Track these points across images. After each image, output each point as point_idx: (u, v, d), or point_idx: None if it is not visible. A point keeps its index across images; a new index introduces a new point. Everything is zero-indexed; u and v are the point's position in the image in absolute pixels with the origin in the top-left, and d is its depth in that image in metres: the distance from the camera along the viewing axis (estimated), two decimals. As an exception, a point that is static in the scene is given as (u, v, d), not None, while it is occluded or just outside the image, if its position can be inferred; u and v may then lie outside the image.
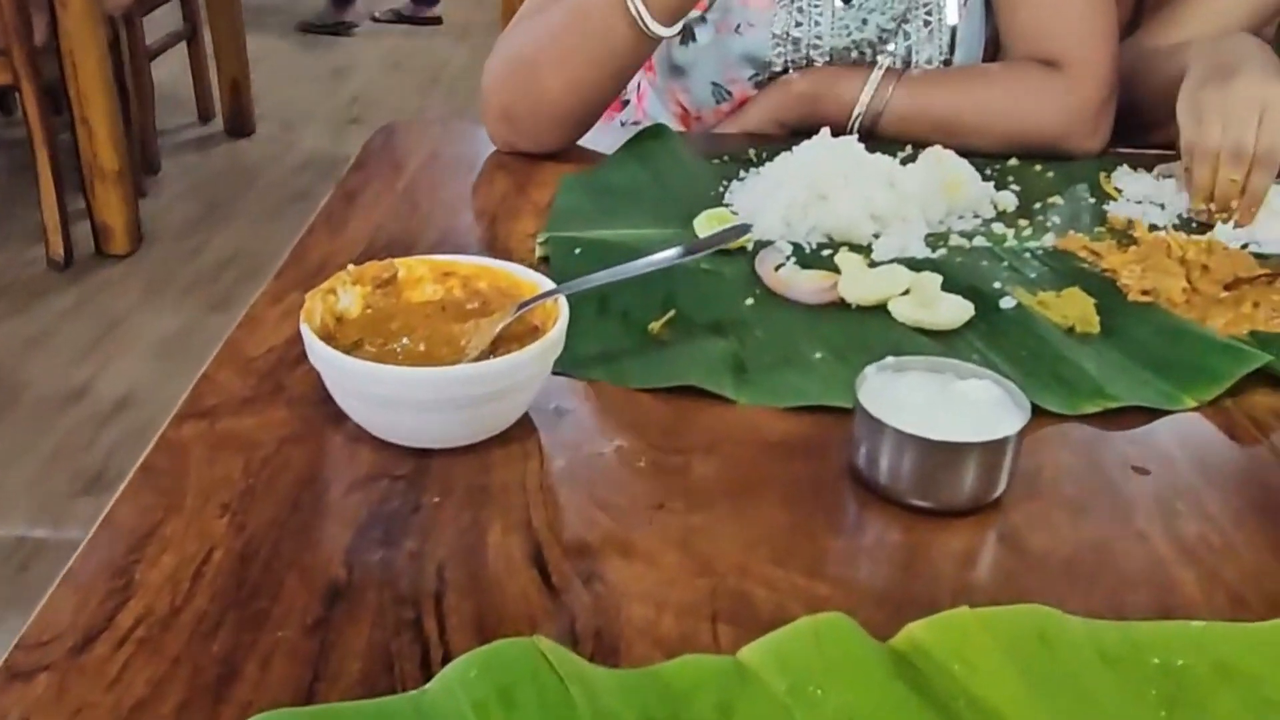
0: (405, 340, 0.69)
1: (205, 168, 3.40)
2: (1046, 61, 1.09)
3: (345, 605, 0.56)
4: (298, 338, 0.67)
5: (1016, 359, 0.78)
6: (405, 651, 0.53)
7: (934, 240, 0.94)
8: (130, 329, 2.59)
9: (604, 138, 1.10)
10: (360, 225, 0.95)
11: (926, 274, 0.84)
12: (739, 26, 1.13)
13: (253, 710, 0.49)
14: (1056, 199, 1.02)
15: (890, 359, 0.69)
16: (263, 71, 3.82)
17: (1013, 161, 1.09)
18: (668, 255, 0.75)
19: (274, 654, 0.53)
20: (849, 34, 1.13)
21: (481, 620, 0.55)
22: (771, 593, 0.58)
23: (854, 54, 1.14)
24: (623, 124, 1.29)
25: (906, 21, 1.13)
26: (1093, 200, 1.03)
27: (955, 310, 0.81)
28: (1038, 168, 1.08)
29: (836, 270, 0.87)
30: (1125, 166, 1.08)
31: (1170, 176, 1.05)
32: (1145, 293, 0.85)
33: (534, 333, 0.70)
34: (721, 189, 1.01)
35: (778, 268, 0.88)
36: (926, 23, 1.14)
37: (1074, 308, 0.82)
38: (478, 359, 0.68)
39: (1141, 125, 1.16)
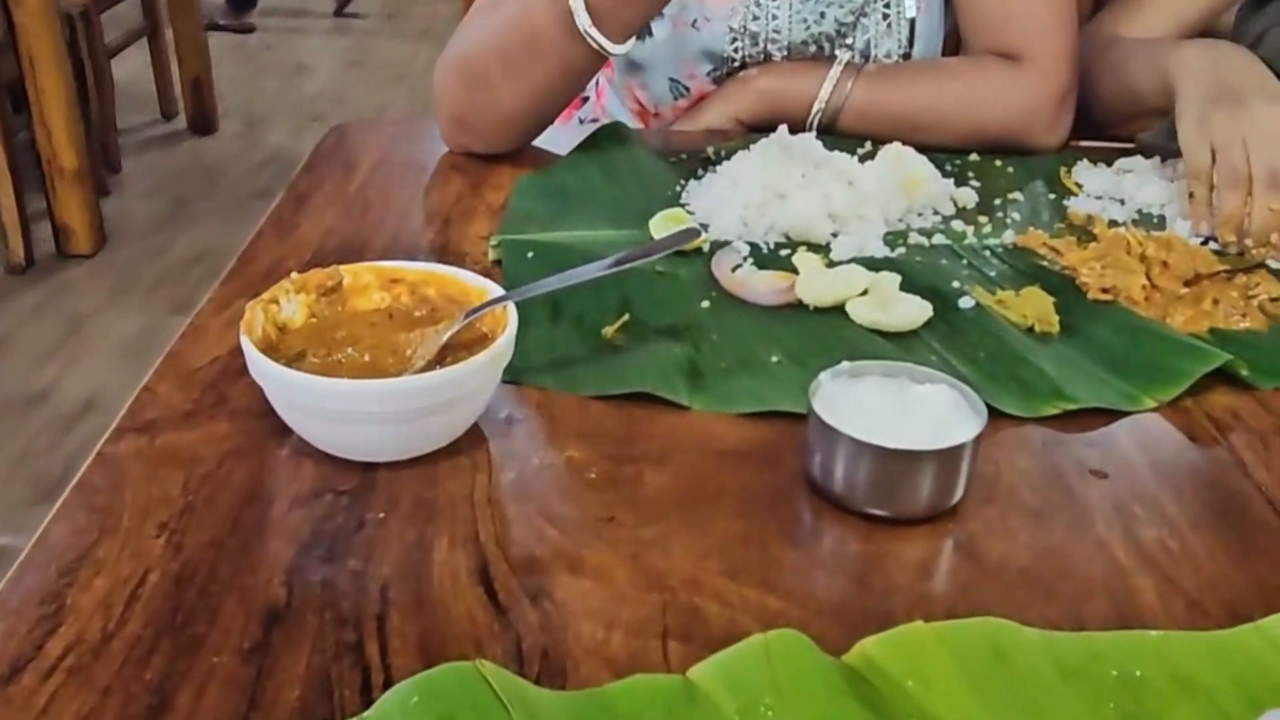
0: (350, 350, 0.68)
1: (168, 166, 3.36)
2: (1006, 55, 1.08)
3: (284, 628, 0.54)
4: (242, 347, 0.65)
5: (975, 360, 0.77)
6: (345, 677, 0.52)
7: (893, 239, 0.93)
8: (94, 331, 2.55)
9: (562, 136, 1.08)
10: (310, 229, 0.93)
11: (885, 274, 0.83)
12: (696, 21, 1.11)
13: (184, 742, 0.47)
14: (1017, 195, 1.01)
15: (845, 364, 0.68)
16: (225, 68, 3.78)
17: (973, 156, 1.08)
18: (618, 259, 0.74)
19: (209, 681, 0.51)
20: (807, 28, 1.11)
21: (425, 642, 0.54)
22: (724, 608, 0.57)
23: (812, 48, 1.12)
24: (581, 121, 1.27)
25: (865, 15, 1.12)
26: (1053, 196, 1.02)
27: (913, 311, 0.80)
28: (998, 163, 1.07)
29: (794, 270, 0.85)
30: (1085, 161, 1.07)
31: (1130, 171, 1.04)
32: (1105, 291, 0.84)
33: (483, 340, 0.68)
34: (679, 188, 0.99)
35: (735, 269, 0.86)
36: (885, 16, 1.13)
37: (1033, 307, 0.82)
38: (424, 369, 0.66)
39: (1102, 119, 1.15)
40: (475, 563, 0.59)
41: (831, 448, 0.63)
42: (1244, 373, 0.75)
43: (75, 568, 0.57)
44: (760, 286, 0.84)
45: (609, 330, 0.78)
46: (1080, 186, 1.03)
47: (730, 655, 0.52)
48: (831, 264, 0.87)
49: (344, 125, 1.15)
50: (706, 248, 0.90)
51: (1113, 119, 1.16)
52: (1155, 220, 0.98)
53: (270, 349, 0.66)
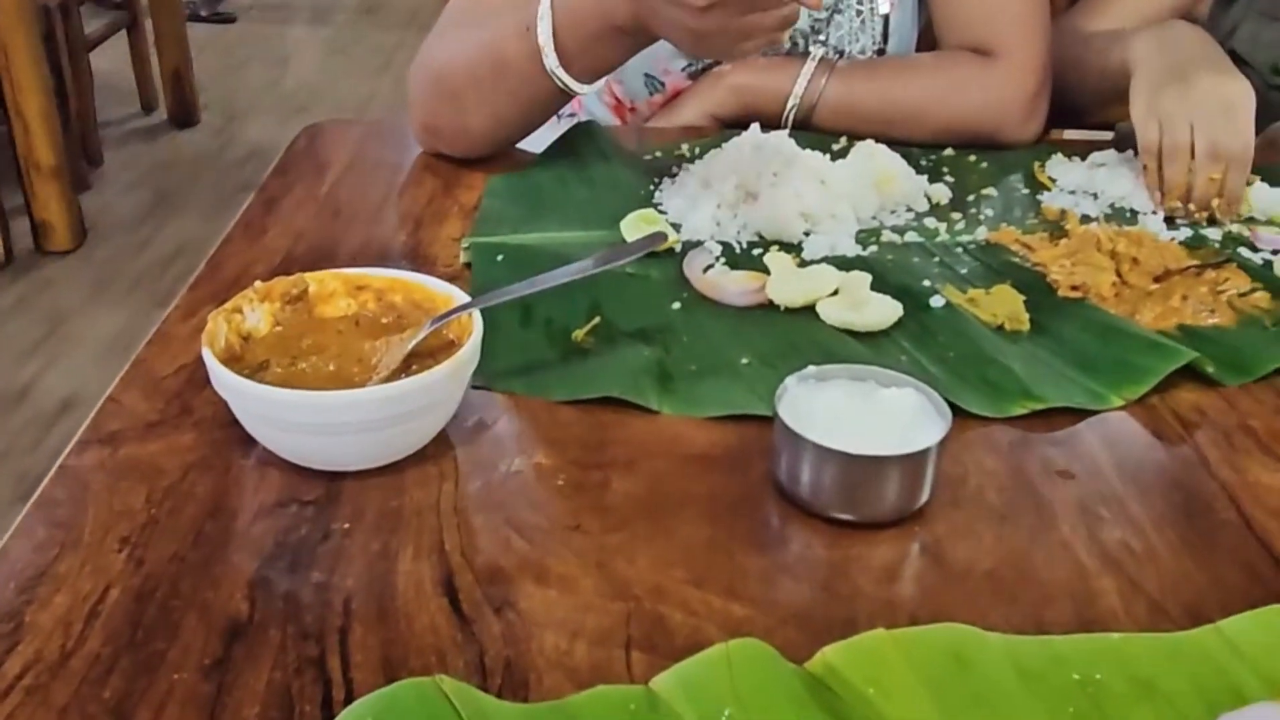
0: (315, 359, 0.67)
1: (149, 159, 3.33)
2: (980, 51, 1.08)
3: (245, 643, 0.54)
4: (208, 356, 0.65)
5: (944, 360, 0.77)
6: (306, 692, 0.51)
7: (865, 237, 0.93)
8: (75, 328, 2.54)
9: (538, 132, 1.07)
10: (280, 233, 0.92)
11: (856, 273, 0.83)
12: (670, 18, 1.11)
13: (143, 762, 0.47)
14: (990, 190, 1.01)
15: (812, 368, 0.67)
16: (206, 60, 3.75)
17: (948, 152, 1.08)
18: (582, 266, 0.73)
19: (169, 699, 0.51)
20: (781, 24, 1.11)
21: (388, 655, 0.54)
22: (688, 616, 0.57)
23: (788, 43, 1.12)
24: (559, 117, 1.26)
25: (839, 12, 1.12)
26: (1027, 191, 1.02)
27: (883, 311, 0.80)
28: (972, 158, 1.07)
29: (767, 271, 0.85)
30: (1059, 155, 1.07)
31: (1104, 165, 1.04)
32: (1075, 288, 0.85)
33: (450, 347, 0.68)
34: (651, 188, 0.99)
35: (706, 269, 0.86)
36: (859, 12, 1.12)
37: (1003, 305, 0.82)
38: (390, 377, 0.66)
39: (1074, 110, 1.15)
40: (440, 573, 0.59)
41: (797, 454, 0.63)
42: (1210, 370, 0.76)
43: (34, 584, 0.56)
44: (731, 288, 0.84)
45: (579, 333, 0.78)
46: (1054, 181, 1.03)
47: (692, 665, 0.52)
48: (803, 263, 0.87)
49: (316, 125, 1.15)
50: (679, 248, 0.89)
51: (1087, 108, 1.17)
52: (1128, 214, 0.98)
53: (234, 359, 0.66)
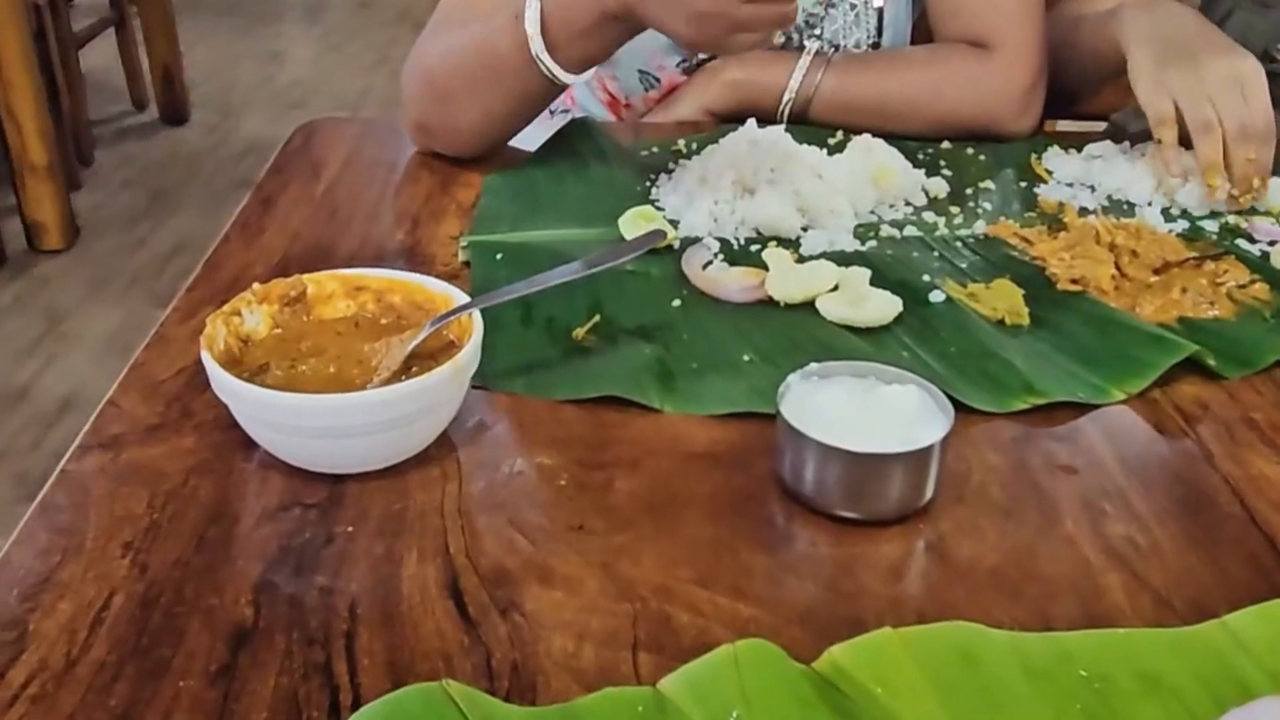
0: (314, 361, 0.67)
1: (142, 157, 3.32)
2: (975, 43, 1.08)
3: (251, 649, 0.54)
4: (207, 359, 0.65)
5: (946, 356, 0.77)
6: (314, 698, 0.51)
7: (864, 232, 0.92)
8: (72, 327, 2.53)
9: (533, 130, 1.07)
10: (276, 234, 0.92)
11: (855, 269, 0.83)
12: (665, 13, 1.10)
13: (150, 770, 0.47)
14: (988, 184, 1.01)
15: (814, 365, 0.67)
16: (196, 57, 3.74)
17: (945, 144, 1.08)
18: (582, 265, 0.73)
19: (175, 706, 0.51)
20: (776, 18, 1.10)
21: (394, 660, 0.53)
22: (695, 617, 0.57)
23: (781, 38, 1.12)
24: (552, 113, 1.26)
25: (833, 5, 1.11)
26: (1024, 184, 1.02)
27: (883, 306, 0.80)
28: (970, 150, 1.07)
29: (765, 267, 0.85)
30: (1056, 147, 1.07)
31: (1099, 157, 1.04)
32: (1074, 281, 0.84)
33: (450, 348, 0.68)
34: (649, 184, 0.99)
35: (705, 266, 0.86)
36: (853, 6, 1.12)
37: (1003, 299, 0.81)
38: (390, 379, 0.66)
39: (1067, 95, 1.15)
40: (445, 576, 0.58)
41: (801, 452, 0.63)
42: (1211, 363, 0.76)
43: (38, 591, 0.56)
44: (730, 284, 0.83)
45: (580, 332, 0.78)
46: (1051, 173, 1.03)
47: (699, 666, 0.52)
48: (802, 259, 0.87)
49: (311, 123, 1.14)
50: (677, 245, 0.89)
51: (1080, 92, 1.17)
52: (1125, 206, 0.98)
53: (233, 362, 0.66)
